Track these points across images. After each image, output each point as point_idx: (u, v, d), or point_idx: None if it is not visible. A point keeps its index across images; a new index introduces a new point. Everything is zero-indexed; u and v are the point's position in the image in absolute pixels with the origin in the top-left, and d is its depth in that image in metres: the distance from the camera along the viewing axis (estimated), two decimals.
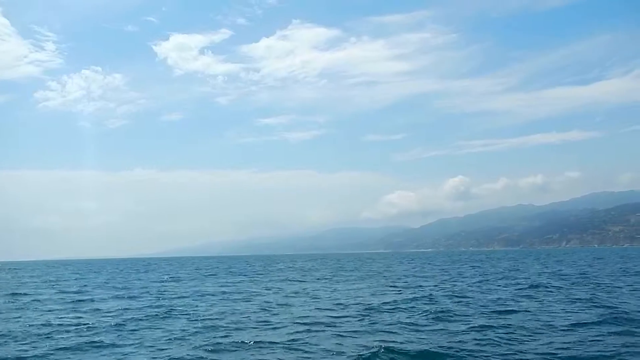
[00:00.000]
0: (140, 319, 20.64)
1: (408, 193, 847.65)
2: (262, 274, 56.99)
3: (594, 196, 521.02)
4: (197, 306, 24.99)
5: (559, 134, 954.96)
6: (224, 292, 32.90)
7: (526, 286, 32.00)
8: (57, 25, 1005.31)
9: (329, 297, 28.61)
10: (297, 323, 19.21)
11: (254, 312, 22.57)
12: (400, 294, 29.80)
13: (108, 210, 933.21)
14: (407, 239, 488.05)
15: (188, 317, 21.28)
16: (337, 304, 25.13)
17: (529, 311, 21.09)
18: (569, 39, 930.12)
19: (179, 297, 29.91)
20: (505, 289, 30.68)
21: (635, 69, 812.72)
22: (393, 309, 22.65)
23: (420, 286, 34.78)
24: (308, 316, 21.05)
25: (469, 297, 26.50)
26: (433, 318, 19.74)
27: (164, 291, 34.58)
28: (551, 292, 28.71)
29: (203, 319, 20.38)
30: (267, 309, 23.60)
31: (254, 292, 33.16)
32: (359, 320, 19.62)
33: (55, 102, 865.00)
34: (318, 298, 28.41)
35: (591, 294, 26.22)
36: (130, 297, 30.64)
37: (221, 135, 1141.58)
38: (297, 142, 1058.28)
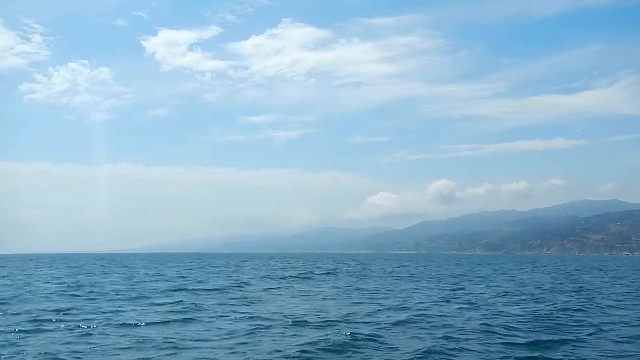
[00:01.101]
0: None
1: (392, 195, 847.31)
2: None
3: (576, 204, 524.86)
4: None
5: (543, 141, 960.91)
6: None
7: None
8: (45, 17, 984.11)
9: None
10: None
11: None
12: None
13: (90, 204, 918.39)
14: (390, 241, 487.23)
15: None
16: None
17: None
18: (558, 48, 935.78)
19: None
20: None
21: (620, 81, 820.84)
22: None
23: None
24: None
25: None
26: None
27: None
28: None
29: None
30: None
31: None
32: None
33: (41, 95, 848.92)
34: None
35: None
36: None
37: (207, 132, 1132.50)
38: (283, 141, 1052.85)
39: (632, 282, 46.80)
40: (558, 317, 21.84)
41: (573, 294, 33.21)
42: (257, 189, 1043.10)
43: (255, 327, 18.72)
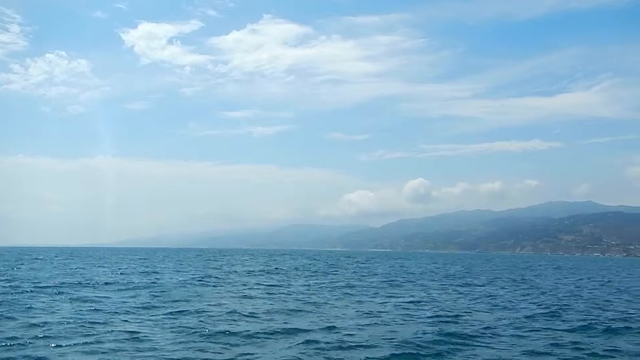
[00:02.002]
0: None
1: (369, 193, 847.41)
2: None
3: (550, 205, 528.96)
4: None
5: (520, 143, 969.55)
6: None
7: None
8: (23, 7, 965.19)
9: None
10: None
11: None
12: None
13: (66, 197, 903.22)
14: (366, 239, 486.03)
15: None
16: None
17: None
18: (539, 50, 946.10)
19: None
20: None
21: (599, 84, 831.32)
22: None
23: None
24: None
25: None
26: None
27: None
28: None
29: None
30: None
31: None
32: None
33: (17, 86, 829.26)
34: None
35: None
36: None
37: (185, 126, 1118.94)
38: (261, 136, 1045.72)
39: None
40: None
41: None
42: (234, 184, 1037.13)
43: None
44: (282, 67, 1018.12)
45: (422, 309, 23.62)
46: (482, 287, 36.78)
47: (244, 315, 20.26)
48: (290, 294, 28.24)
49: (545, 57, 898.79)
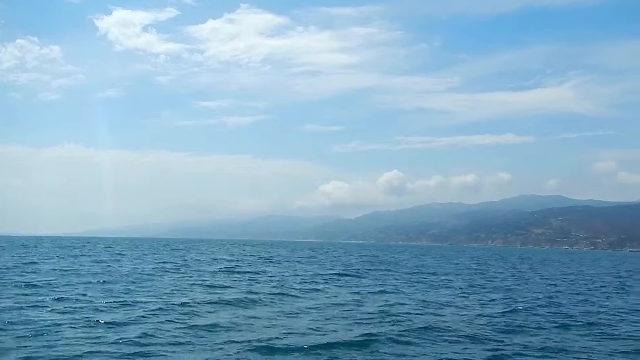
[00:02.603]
0: None
1: (343, 184, 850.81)
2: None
3: (522, 198, 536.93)
4: None
5: (493, 136, 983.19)
6: None
7: None
8: None
9: None
10: None
11: None
12: None
13: (35, 186, 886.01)
14: (340, 230, 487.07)
15: None
16: None
17: None
18: (514, 45, 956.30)
19: None
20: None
21: (571, 80, 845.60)
22: None
23: None
24: None
25: None
26: None
27: None
28: None
29: None
30: None
31: None
32: None
33: None
34: None
35: None
36: None
37: (159, 115, 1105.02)
38: (235, 127, 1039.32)
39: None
40: None
41: None
42: (208, 174, 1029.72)
43: None
44: (258, 57, 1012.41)
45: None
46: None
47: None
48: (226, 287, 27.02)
49: (518, 53, 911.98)
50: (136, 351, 12.87)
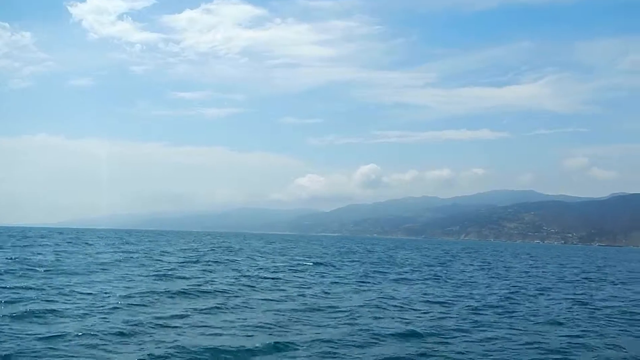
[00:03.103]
0: None
1: (320, 178, 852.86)
2: None
3: (495, 193, 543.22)
4: None
5: (469, 132, 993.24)
6: None
7: None
8: None
9: None
10: None
11: None
12: None
13: (7, 176, 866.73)
14: (316, 223, 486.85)
15: None
16: None
17: None
18: (490, 42, 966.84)
19: None
20: None
21: (546, 77, 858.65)
22: None
23: None
24: None
25: None
26: None
27: None
28: None
29: None
30: None
31: None
32: None
33: None
34: None
35: None
36: None
37: (134, 105, 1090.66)
38: (213, 118, 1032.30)
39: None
40: None
41: None
42: (184, 165, 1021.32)
43: None
44: (236, 48, 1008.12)
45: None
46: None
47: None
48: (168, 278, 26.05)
49: (495, 49, 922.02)
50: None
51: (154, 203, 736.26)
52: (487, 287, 28.24)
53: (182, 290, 20.83)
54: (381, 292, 23.12)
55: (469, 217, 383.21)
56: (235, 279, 26.47)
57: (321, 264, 39.78)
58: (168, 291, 20.39)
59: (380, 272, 34.32)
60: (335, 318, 16.68)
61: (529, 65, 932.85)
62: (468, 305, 20.31)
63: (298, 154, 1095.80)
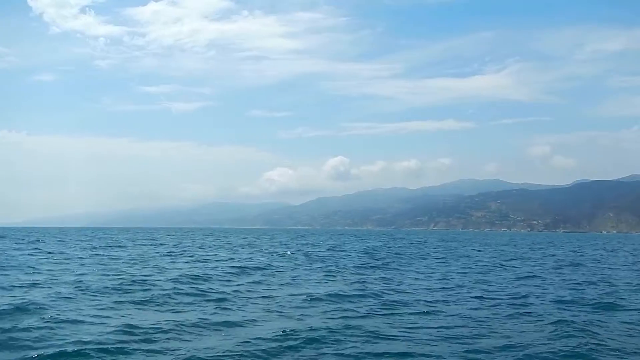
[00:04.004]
0: None
1: (289, 171, 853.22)
2: None
3: (462, 183, 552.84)
4: None
5: (435, 122, 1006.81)
6: None
7: None
8: None
9: None
10: None
11: None
12: None
13: None
14: (286, 216, 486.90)
15: None
16: None
17: None
18: (454, 32, 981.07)
19: None
20: None
21: (508, 67, 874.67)
22: None
23: None
24: None
25: None
26: None
27: None
28: None
29: None
30: None
31: None
32: None
33: None
34: None
35: None
36: None
37: (98, 100, 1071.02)
38: (180, 113, 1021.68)
39: None
40: None
41: None
42: (151, 161, 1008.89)
43: None
44: (202, 41, 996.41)
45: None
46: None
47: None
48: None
49: (459, 40, 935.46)
50: None
51: (121, 200, 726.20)
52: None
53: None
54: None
55: (437, 208, 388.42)
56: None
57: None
58: None
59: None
60: None
61: (492, 55, 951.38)
62: None
63: (267, 148, 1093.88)
